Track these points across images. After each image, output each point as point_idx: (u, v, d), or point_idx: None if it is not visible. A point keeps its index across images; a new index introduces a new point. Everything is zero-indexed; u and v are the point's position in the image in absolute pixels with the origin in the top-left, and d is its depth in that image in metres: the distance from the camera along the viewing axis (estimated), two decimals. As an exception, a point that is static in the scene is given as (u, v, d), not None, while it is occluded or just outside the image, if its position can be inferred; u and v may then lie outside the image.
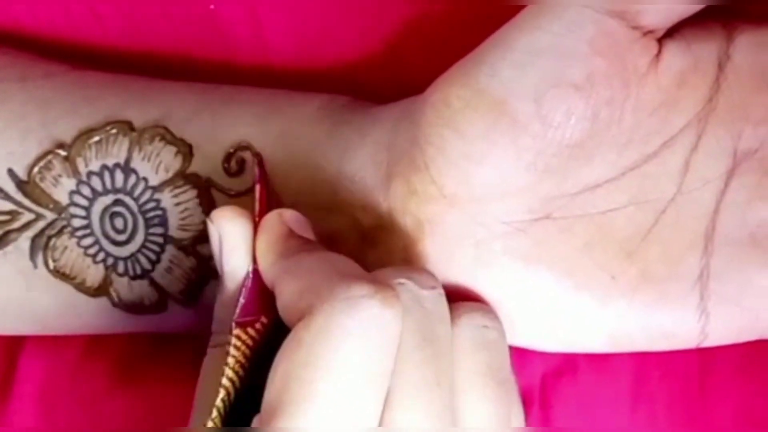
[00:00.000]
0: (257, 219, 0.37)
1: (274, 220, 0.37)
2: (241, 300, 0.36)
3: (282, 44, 0.42)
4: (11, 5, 0.44)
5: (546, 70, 0.35)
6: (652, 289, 0.37)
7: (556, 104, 0.35)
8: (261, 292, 0.36)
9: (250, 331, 0.36)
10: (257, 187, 0.38)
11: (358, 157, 0.38)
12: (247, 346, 0.36)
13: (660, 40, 0.36)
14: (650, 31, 0.36)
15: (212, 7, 0.42)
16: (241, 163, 0.39)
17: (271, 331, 0.36)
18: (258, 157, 0.39)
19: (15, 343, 0.44)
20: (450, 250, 0.37)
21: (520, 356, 0.39)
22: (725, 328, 0.37)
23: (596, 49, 0.35)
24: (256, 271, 0.37)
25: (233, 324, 0.35)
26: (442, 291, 0.35)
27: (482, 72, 0.36)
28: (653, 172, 0.37)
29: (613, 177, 0.37)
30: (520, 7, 0.37)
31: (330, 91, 0.41)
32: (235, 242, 0.37)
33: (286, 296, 0.34)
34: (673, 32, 0.36)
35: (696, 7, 0.36)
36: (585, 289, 0.37)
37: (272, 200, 0.39)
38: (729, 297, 0.37)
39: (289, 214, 0.37)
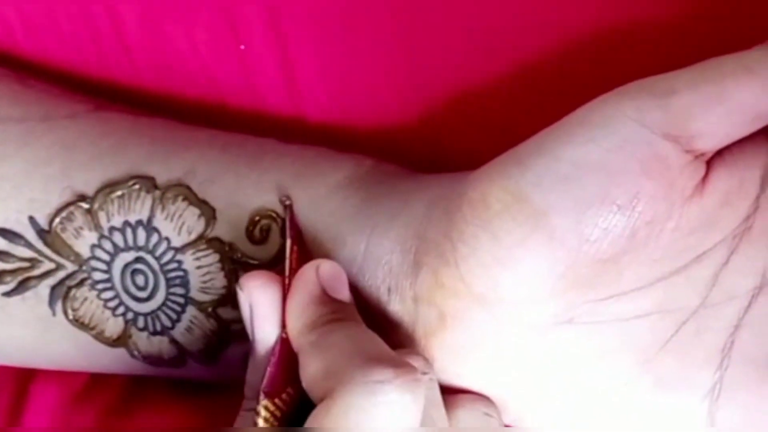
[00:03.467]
0: (288, 279, 0.37)
1: (308, 279, 0.37)
2: (270, 369, 0.36)
3: (313, 96, 0.42)
4: (39, 34, 0.43)
5: (591, 186, 0.35)
6: (663, 398, 0.37)
7: (595, 221, 0.35)
8: (289, 361, 0.36)
9: (278, 401, 0.36)
10: (288, 243, 0.37)
11: (386, 240, 0.38)
12: (275, 416, 0.36)
13: (708, 162, 0.36)
14: (701, 154, 0.35)
15: (242, 47, 0.42)
16: (266, 231, 0.39)
17: (299, 400, 0.36)
18: (290, 209, 0.39)
19: (27, 372, 0.44)
20: (468, 345, 0.37)
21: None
22: None
23: (646, 170, 0.35)
24: (285, 340, 0.36)
25: (261, 394, 0.36)
26: (434, 376, 0.36)
27: (525, 179, 0.35)
28: (680, 284, 0.36)
29: (640, 287, 0.36)
30: (564, 94, 0.36)
31: (357, 148, 0.41)
32: (265, 311, 0.37)
33: (310, 372, 0.35)
34: (721, 150, 0.36)
35: (753, 129, 0.35)
36: (596, 394, 0.37)
37: (303, 251, 0.38)
38: (738, 414, 0.36)
39: (324, 269, 0.37)
